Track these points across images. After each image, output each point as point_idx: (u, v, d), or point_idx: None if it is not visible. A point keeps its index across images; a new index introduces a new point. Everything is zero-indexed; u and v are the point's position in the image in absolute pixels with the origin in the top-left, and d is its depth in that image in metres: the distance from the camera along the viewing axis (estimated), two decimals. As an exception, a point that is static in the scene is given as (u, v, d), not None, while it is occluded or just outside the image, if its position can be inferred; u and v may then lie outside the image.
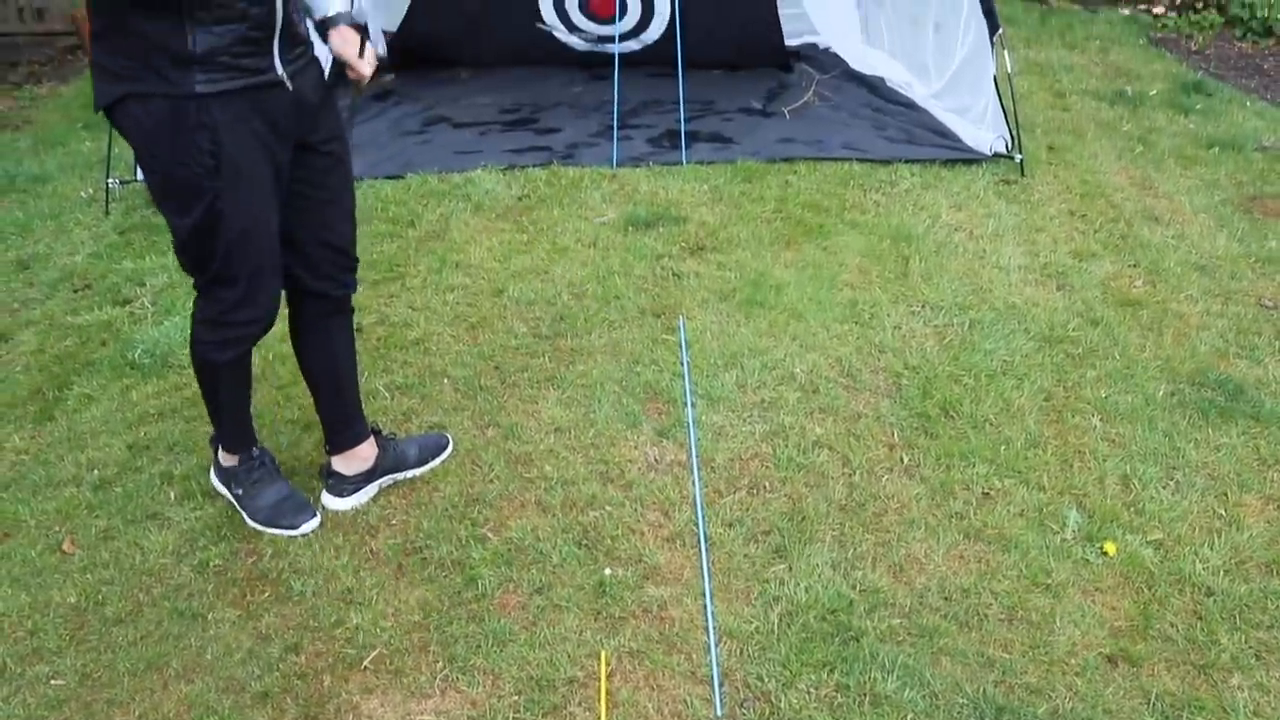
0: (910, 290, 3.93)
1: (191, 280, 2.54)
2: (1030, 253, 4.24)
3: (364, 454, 2.89)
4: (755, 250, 4.23)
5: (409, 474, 2.98)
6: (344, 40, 2.48)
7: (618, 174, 5.00)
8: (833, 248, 4.25)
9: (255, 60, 2.27)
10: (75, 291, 4.10)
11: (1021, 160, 5.01)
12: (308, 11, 2.49)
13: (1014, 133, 5.06)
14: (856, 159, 5.13)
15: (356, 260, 2.75)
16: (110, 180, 4.82)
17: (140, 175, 4.69)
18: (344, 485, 2.89)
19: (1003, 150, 5.11)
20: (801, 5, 6.22)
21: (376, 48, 2.90)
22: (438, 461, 3.03)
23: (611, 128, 5.32)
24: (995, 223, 4.47)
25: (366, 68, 2.54)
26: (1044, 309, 3.81)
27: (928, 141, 5.33)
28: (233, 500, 2.84)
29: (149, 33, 2.15)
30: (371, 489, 2.92)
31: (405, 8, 6.29)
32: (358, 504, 2.89)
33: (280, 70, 2.32)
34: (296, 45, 2.38)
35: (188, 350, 3.23)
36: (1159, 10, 8.28)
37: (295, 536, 2.76)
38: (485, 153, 5.24)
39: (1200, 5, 8.17)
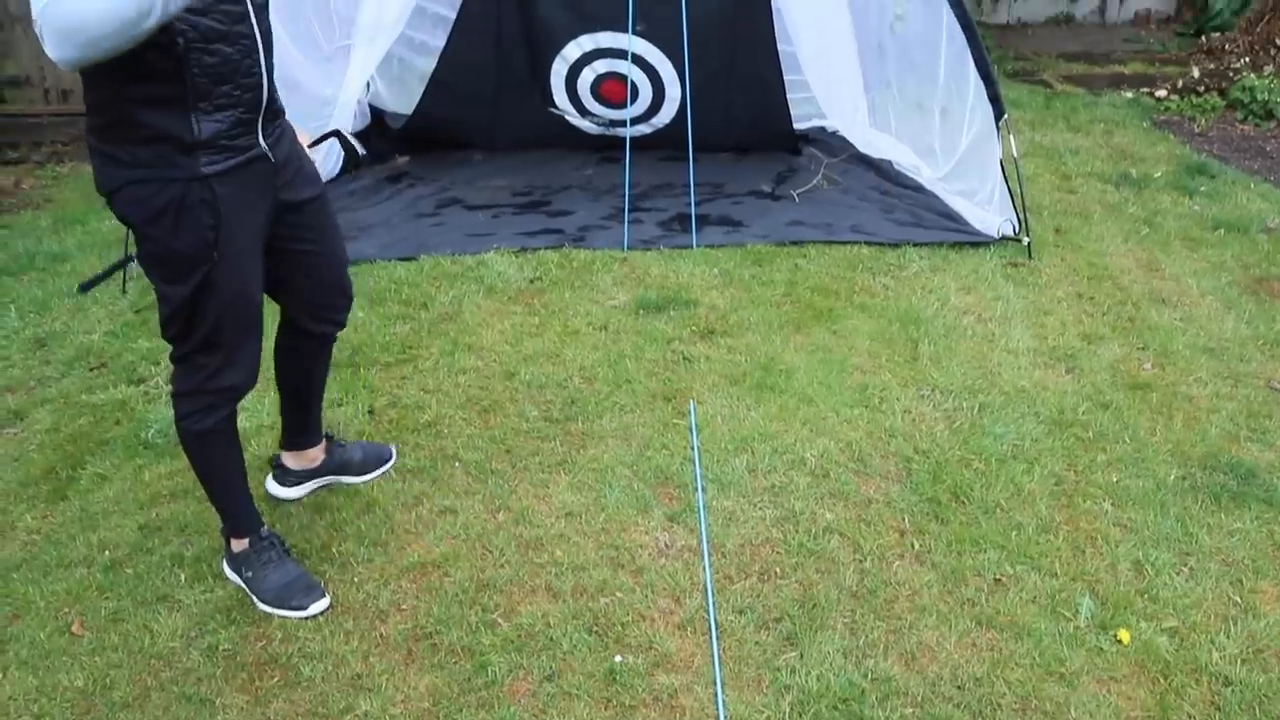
0: (920, 374, 3.95)
1: (170, 353, 2.65)
2: (1039, 336, 4.26)
3: (312, 455, 3.24)
4: (765, 334, 4.26)
5: (352, 480, 3.31)
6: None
7: (629, 257, 5.05)
8: (842, 331, 4.28)
9: (246, 139, 2.47)
10: (91, 370, 4.14)
11: (1029, 243, 5.05)
12: None
13: (1021, 216, 5.11)
14: (865, 242, 5.18)
15: (352, 295, 3.01)
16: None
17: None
18: (288, 476, 3.25)
19: (1010, 233, 5.15)
20: (810, 89, 6.31)
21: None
22: (380, 471, 3.35)
23: (623, 210, 5.38)
24: (1004, 305, 4.50)
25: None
26: (1053, 392, 3.82)
27: (935, 224, 5.38)
28: (243, 584, 2.86)
29: (156, 124, 2.32)
30: (314, 484, 3.28)
31: (420, 92, 6.40)
32: (300, 494, 3.26)
33: (263, 144, 2.52)
34: (275, 119, 2.59)
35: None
36: (1161, 93, 8.39)
37: (304, 618, 2.76)
38: (498, 235, 5.30)
39: (1201, 89, 8.28)
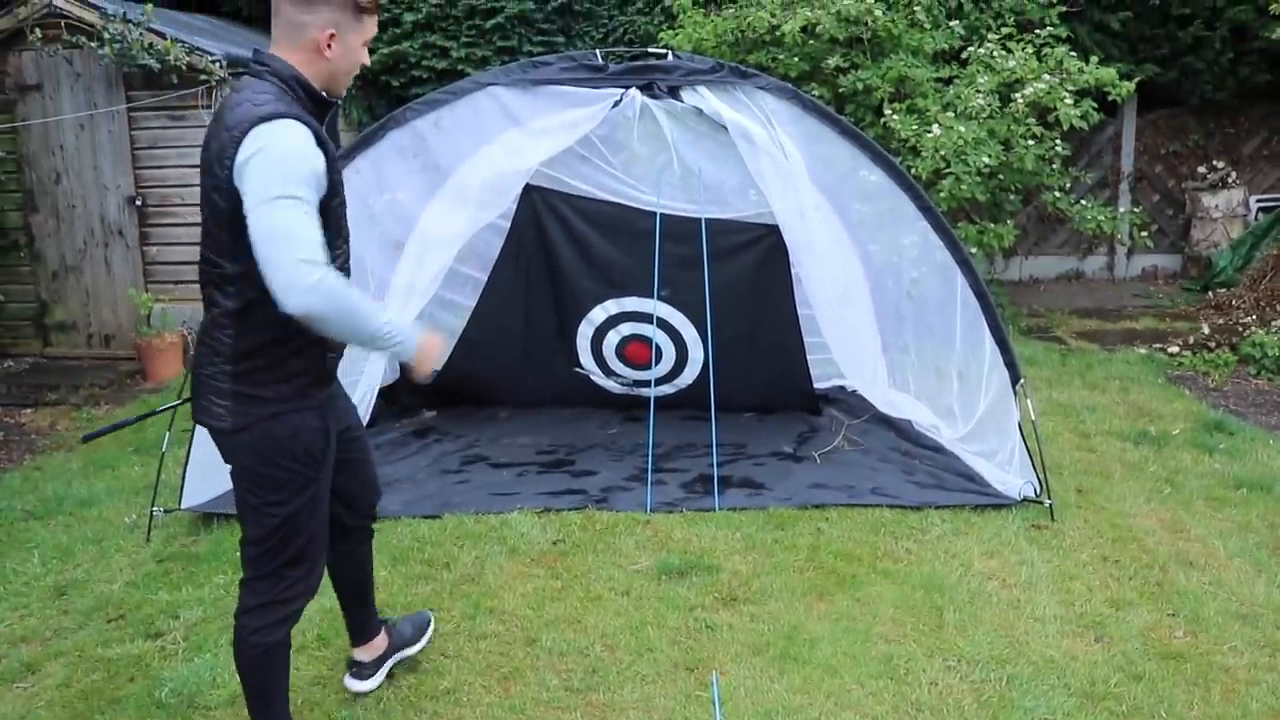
0: (945, 643, 3.89)
1: (251, 571, 2.94)
2: (1065, 602, 4.21)
3: (378, 645, 3.59)
4: (788, 601, 4.22)
5: (410, 651, 3.69)
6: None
7: (652, 520, 5.06)
8: (865, 598, 4.24)
9: (335, 370, 2.99)
10: (109, 622, 4.14)
11: (1051, 505, 5.05)
12: None
13: (1041, 477, 5.13)
14: (887, 505, 5.17)
15: (380, 490, 3.48)
16: (155, 509, 4.96)
17: (185, 502, 4.95)
18: (364, 670, 3.56)
19: (1031, 495, 5.15)
20: (829, 350, 6.45)
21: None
22: (428, 636, 3.76)
23: (646, 471, 5.44)
24: (1028, 570, 4.46)
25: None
26: (1083, 663, 3.75)
27: (957, 486, 5.38)
28: None
29: (305, 363, 2.80)
30: (386, 669, 3.62)
31: (450, 349, 6.59)
32: (378, 684, 3.58)
33: (336, 379, 3.04)
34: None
35: (215, 690, 3.27)
36: (1174, 349, 8.53)
37: None
38: (522, 495, 5.35)
39: (1213, 344, 8.44)
